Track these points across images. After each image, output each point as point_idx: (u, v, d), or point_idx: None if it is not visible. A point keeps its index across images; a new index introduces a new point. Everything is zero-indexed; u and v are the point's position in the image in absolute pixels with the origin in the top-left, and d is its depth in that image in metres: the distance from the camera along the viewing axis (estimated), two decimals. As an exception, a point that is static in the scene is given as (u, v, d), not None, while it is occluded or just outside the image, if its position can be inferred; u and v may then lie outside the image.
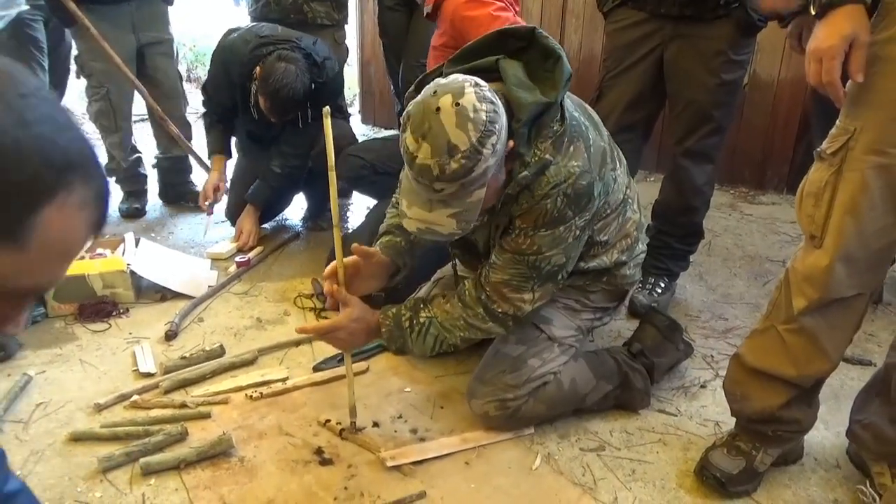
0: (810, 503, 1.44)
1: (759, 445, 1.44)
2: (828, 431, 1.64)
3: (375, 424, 1.64)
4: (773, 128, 3.43)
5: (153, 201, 3.27)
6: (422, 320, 1.50)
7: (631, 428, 1.67)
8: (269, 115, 2.43)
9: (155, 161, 3.23)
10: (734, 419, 1.51)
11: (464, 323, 1.49)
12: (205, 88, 2.73)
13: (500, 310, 1.47)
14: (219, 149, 2.76)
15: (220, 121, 2.73)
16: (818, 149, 1.25)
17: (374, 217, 2.26)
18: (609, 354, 1.74)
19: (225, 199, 2.86)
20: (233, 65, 2.49)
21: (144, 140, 3.30)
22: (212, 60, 2.64)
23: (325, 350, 1.97)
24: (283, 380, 1.81)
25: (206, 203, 2.73)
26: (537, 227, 1.39)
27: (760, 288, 2.45)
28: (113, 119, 2.94)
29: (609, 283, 1.66)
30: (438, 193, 1.25)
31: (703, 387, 1.84)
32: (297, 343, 2.02)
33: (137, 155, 3.19)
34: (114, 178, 3.19)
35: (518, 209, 1.39)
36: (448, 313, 1.49)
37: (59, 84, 3.20)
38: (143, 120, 3.36)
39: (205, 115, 2.77)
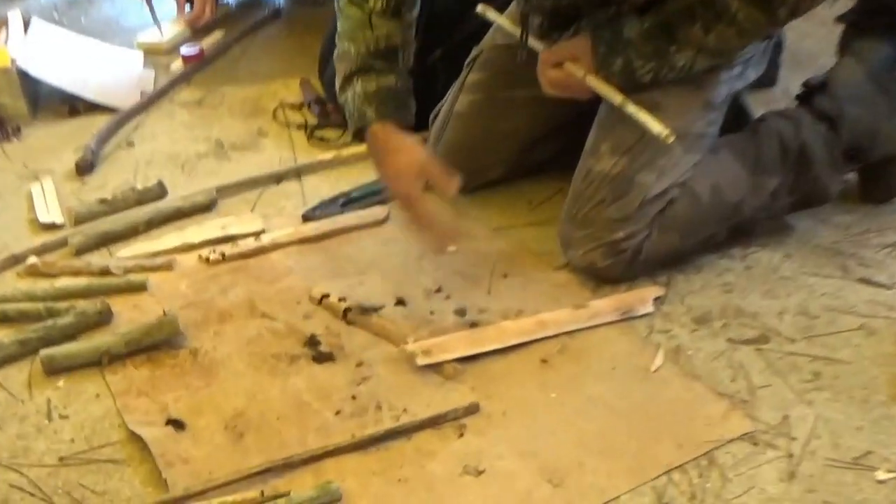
0: None
1: None
2: None
3: (400, 302, 1.27)
4: None
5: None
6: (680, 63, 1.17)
7: (814, 307, 1.23)
8: None
9: None
10: None
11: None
12: None
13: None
14: None
15: None
16: None
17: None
18: (766, 125, 1.33)
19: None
20: None
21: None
22: None
23: (319, 191, 1.58)
24: (257, 234, 1.49)
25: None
26: None
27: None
28: None
29: None
30: None
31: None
32: (279, 178, 1.64)
33: None
34: None
35: None
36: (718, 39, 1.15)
37: None
38: None
39: None
